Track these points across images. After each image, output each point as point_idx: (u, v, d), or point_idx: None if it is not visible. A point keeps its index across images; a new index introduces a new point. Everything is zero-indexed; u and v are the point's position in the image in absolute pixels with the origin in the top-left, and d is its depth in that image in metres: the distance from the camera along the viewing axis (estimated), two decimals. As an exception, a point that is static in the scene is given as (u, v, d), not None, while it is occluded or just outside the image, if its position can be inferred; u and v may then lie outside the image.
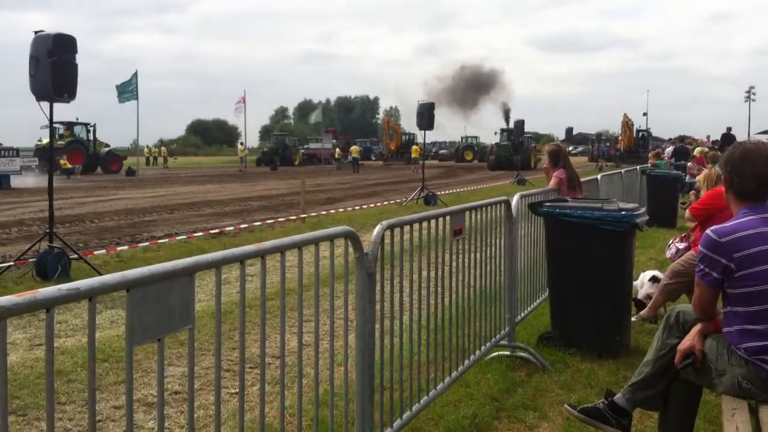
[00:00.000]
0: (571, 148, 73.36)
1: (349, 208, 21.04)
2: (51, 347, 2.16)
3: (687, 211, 7.62)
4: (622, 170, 15.21)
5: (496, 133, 61.40)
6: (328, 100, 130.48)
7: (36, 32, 9.78)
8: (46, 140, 41.35)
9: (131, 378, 2.43)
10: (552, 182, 8.70)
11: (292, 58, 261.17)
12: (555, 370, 5.87)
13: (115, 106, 43.02)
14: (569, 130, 68.54)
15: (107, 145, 50.68)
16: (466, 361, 5.26)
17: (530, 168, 52.09)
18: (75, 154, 45.23)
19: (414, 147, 60.00)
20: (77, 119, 46.94)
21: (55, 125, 35.35)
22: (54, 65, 9.45)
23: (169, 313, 2.52)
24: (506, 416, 4.98)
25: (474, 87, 66.80)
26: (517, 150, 54.24)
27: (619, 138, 65.69)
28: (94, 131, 48.67)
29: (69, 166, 41.88)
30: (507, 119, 63.07)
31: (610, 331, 6.25)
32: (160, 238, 14.37)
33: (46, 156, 41.65)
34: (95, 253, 11.97)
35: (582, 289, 6.32)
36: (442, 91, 64.96)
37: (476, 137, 78.85)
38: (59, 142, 42.74)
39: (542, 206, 6.55)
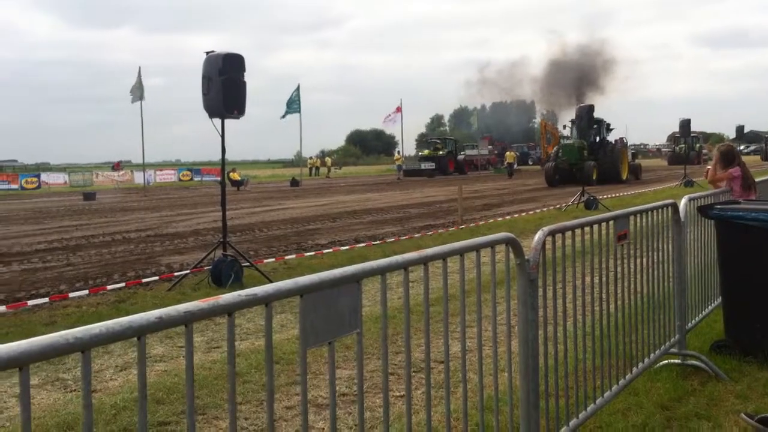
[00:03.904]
0: (742, 147, 69.15)
1: (507, 215, 20.88)
2: (232, 349, 2.32)
3: None
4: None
5: (565, 127, 43.83)
6: (483, 106, 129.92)
7: (207, 53, 10.34)
8: (426, 151, 62.49)
9: (305, 380, 2.56)
10: (725, 182, 8.30)
11: (446, 65, 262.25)
12: (730, 379, 5.59)
13: (277, 119, 45.40)
14: (740, 128, 64.50)
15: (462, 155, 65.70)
16: (635, 369, 5.12)
17: (618, 181, 38.43)
18: (449, 161, 61.10)
19: (508, 153, 58.18)
20: (447, 136, 67.11)
21: (434, 140, 55.37)
22: (225, 83, 9.98)
23: (338, 318, 2.63)
24: (678, 426, 4.80)
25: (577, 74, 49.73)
26: (595, 153, 39.05)
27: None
28: (455, 144, 65.05)
29: (238, 178, 44.08)
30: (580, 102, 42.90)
31: (792, 339, 5.87)
32: (324, 245, 14.86)
33: (435, 162, 58.50)
34: (265, 261, 12.55)
35: (758, 294, 5.98)
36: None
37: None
38: (440, 153, 60.71)
39: (713, 209, 6.26)
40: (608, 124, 42.34)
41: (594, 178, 36.37)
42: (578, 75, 48.26)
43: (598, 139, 40.90)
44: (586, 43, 51.94)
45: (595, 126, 40.13)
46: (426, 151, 62.39)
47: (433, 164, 59.03)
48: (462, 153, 69.00)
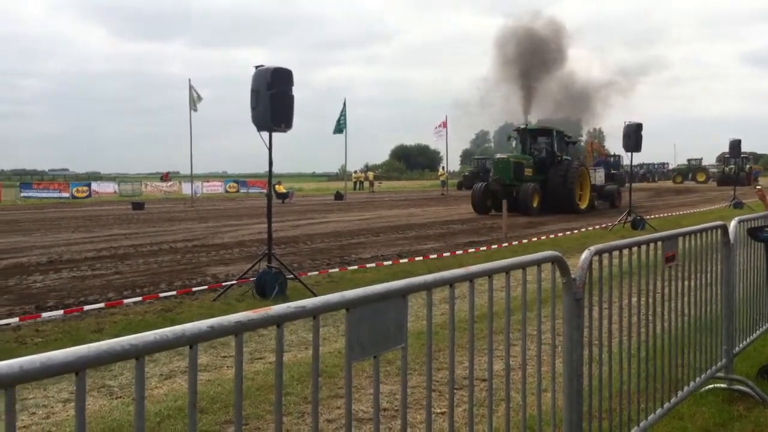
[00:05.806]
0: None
1: (551, 233, 20.72)
2: (280, 360, 2.36)
3: None
4: None
5: (509, 138, 33.55)
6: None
7: (257, 67, 10.45)
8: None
9: (350, 392, 2.58)
10: None
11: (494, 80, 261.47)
12: (778, 407, 5.48)
13: (323, 132, 46.13)
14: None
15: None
16: (680, 393, 5.04)
17: (576, 211, 28.95)
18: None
19: None
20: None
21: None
22: (273, 97, 10.08)
23: (384, 332, 2.65)
24: (724, 453, 4.72)
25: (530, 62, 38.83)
26: (545, 172, 29.54)
27: None
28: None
29: (283, 191, 44.45)
30: (528, 104, 38.00)
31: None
32: (367, 260, 14.90)
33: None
34: (308, 273, 12.63)
35: (810, 321, 5.84)
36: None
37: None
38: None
39: (763, 231, 6.17)
40: (567, 136, 32.63)
41: (535, 205, 28.19)
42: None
43: (551, 153, 30.39)
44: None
45: (545, 137, 31.05)
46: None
47: None
48: None
